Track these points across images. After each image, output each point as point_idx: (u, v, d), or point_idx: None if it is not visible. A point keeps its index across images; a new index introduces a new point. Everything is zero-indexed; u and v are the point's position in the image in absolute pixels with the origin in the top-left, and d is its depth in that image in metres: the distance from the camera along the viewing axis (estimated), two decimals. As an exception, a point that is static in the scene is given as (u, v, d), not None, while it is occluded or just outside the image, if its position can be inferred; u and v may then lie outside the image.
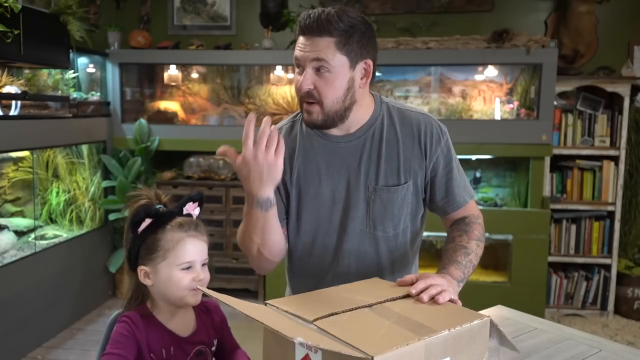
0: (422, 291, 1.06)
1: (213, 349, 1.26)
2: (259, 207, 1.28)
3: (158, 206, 1.21)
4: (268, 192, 1.27)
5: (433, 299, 1.05)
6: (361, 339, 0.83)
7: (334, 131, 1.43)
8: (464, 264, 1.33)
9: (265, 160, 1.23)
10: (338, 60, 1.31)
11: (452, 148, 1.48)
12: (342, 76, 1.33)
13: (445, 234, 1.50)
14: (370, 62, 1.36)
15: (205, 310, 1.28)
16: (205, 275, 1.20)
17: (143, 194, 1.24)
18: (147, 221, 1.17)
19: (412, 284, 1.10)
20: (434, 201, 1.48)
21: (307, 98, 1.34)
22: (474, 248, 1.39)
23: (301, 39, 1.33)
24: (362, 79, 1.36)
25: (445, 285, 1.09)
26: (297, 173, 1.45)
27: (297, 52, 1.33)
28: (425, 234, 1.61)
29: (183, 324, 1.22)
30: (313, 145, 1.45)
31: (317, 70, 1.31)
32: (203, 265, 1.21)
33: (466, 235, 1.41)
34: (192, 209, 1.25)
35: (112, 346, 1.14)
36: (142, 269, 1.19)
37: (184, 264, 1.17)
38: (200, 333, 1.24)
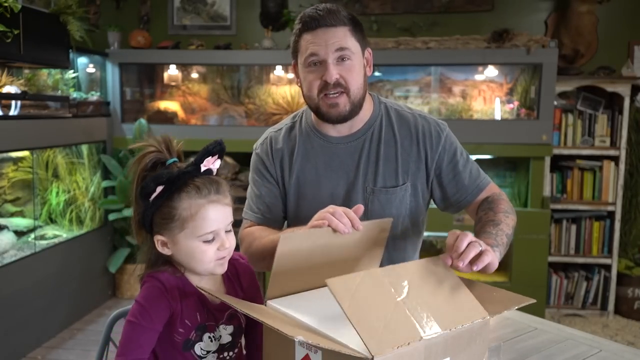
0: (460, 256, 1.03)
1: None
2: None
3: (171, 160, 1.06)
4: None
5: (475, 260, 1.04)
6: (365, 324, 0.81)
7: (334, 132, 1.44)
8: (494, 233, 1.29)
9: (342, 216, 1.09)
10: (355, 47, 1.34)
11: (455, 142, 1.49)
12: (359, 63, 1.36)
13: (444, 234, 1.49)
14: (370, 50, 1.42)
15: (234, 272, 1.15)
16: (231, 242, 1.06)
17: (150, 144, 1.06)
18: (159, 189, 1.01)
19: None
20: (447, 198, 1.47)
21: (333, 90, 1.33)
22: (502, 219, 1.35)
23: (311, 36, 1.32)
24: (366, 66, 1.41)
25: (483, 245, 1.07)
26: (296, 174, 1.45)
27: (314, 48, 1.32)
28: (425, 234, 1.61)
29: (212, 287, 1.10)
30: (313, 146, 1.45)
31: (340, 59, 1.32)
32: (227, 231, 1.06)
33: (491, 211, 1.39)
34: (212, 162, 1.06)
35: (138, 313, 1.01)
36: (158, 239, 1.05)
37: (205, 235, 1.02)
38: (230, 295, 1.10)
